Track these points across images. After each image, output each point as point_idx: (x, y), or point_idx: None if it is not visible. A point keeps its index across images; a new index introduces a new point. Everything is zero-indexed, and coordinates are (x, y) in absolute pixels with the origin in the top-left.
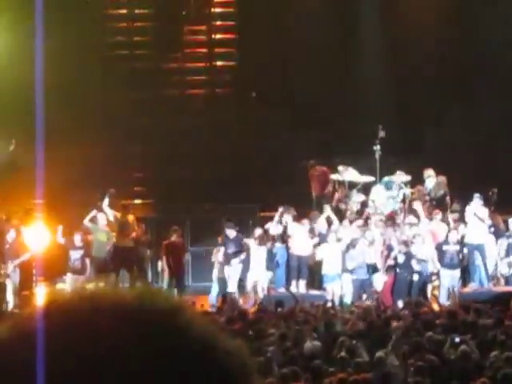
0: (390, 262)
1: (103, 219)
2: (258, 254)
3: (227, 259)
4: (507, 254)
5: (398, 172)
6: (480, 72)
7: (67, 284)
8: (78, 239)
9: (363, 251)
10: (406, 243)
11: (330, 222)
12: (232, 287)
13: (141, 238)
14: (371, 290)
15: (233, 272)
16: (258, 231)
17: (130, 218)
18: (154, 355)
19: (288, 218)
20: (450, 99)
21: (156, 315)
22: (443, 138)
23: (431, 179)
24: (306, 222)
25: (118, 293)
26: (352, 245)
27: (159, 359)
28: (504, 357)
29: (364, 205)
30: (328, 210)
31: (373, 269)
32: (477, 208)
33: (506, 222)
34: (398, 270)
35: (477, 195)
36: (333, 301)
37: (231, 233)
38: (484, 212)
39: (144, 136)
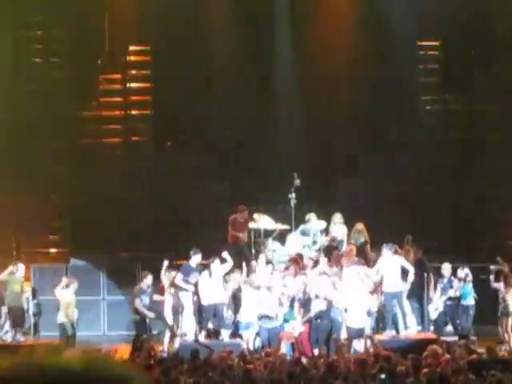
0: (312, 314)
1: (23, 270)
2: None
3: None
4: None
5: (313, 220)
6: (395, 120)
7: None
8: None
9: (276, 298)
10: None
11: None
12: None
13: None
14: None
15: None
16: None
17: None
18: None
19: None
20: (365, 147)
21: None
22: (357, 186)
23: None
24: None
25: (66, 360)
26: (263, 291)
27: None
28: None
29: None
30: (263, 260)
31: (289, 316)
32: (388, 258)
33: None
34: (317, 318)
35: (384, 245)
36: (249, 349)
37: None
38: (396, 260)
39: (61, 184)
